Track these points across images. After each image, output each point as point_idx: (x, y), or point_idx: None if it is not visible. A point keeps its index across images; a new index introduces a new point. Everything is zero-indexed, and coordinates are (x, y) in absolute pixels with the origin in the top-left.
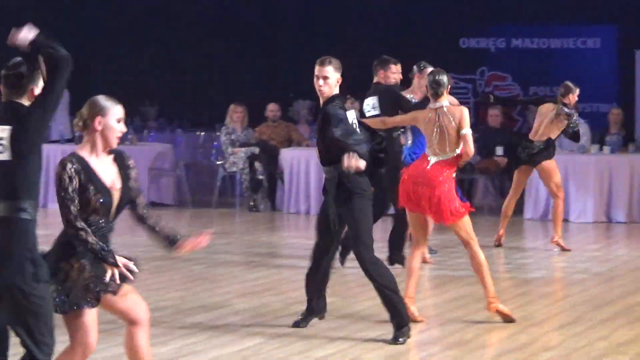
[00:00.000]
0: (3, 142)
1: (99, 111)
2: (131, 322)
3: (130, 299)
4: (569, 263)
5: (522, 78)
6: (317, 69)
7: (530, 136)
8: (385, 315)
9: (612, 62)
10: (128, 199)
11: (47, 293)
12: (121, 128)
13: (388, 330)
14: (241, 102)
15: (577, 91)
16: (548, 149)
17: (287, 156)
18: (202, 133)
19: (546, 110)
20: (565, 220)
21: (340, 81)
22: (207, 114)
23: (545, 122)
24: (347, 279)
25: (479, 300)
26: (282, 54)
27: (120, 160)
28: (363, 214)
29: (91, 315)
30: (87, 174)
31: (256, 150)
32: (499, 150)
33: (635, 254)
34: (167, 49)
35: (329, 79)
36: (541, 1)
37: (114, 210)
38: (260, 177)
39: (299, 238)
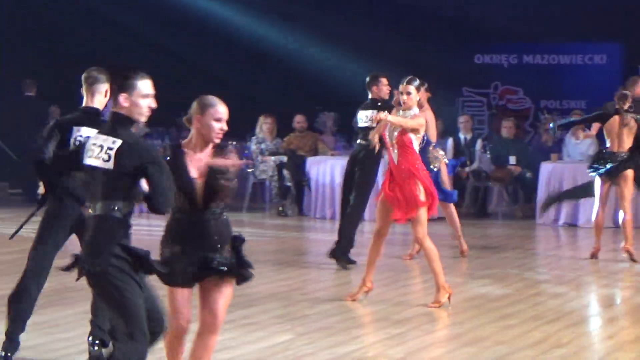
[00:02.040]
0: (111, 152)
1: (200, 110)
2: (204, 324)
3: (217, 302)
4: None
5: (533, 92)
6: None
7: (613, 149)
8: (406, 312)
9: (616, 76)
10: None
11: (130, 284)
12: (220, 126)
13: (410, 327)
14: (270, 114)
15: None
16: (633, 158)
17: (313, 164)
18: (234, 142)
19: (614, 122)
20: (574, 225)
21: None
22: (238, 125)
23: (625, 132)
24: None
25: (495, 300)
26: (308, 68)
27: (218, 154)
28: None
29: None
30: (176, 165)
31: (284, 158)
32: (512, 160)
33: None
34: (201, 63)
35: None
36: (551, 20)
37: (201, 200)
38: (288, 184)
39: (325, 241)
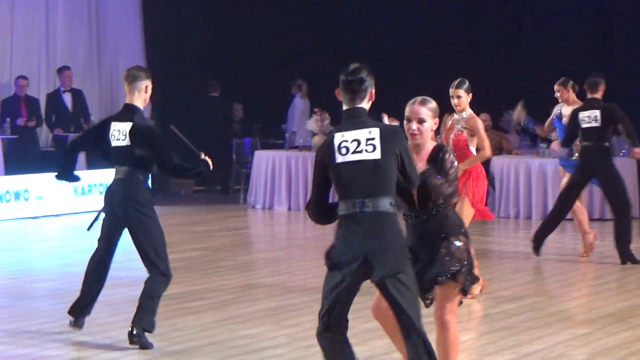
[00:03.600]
0: (374, 142)
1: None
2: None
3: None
4: None
5: None
6: None
7: None
8: (591, 313)
9: None
10: (431, 191)
11: (411, 282)
12: (408, 126)
13: (594, 328)
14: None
15: None
16: None
17: (498, 163)
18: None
19: None
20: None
21: None
22: None
23: None
24: (551, 280)
25: None
26: (493, 67)
27: (434, 154)
28: None
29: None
30: None
31: None
32: None
33: None
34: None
35: None
36: None
37: (417, 200)
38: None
39: (508, 238)
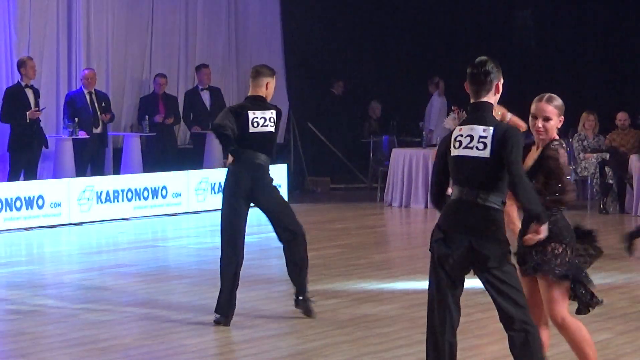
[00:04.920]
0: (485, 140)
1: None
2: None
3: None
4: None
5: None
6: None
7: None
8: None
9: None
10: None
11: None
12: (535, 123)
13: None
14: (593, 111)
15: None
16: None
17: (636, 162)
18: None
19: None
20: None
21: None
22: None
23: None
24: None
25: None
26: (632, 64)
27: (547, 150)
28: None
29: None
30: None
31: (607, 156)
32: None
33: None
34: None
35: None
36: None
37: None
38: (610, 181)
39: None
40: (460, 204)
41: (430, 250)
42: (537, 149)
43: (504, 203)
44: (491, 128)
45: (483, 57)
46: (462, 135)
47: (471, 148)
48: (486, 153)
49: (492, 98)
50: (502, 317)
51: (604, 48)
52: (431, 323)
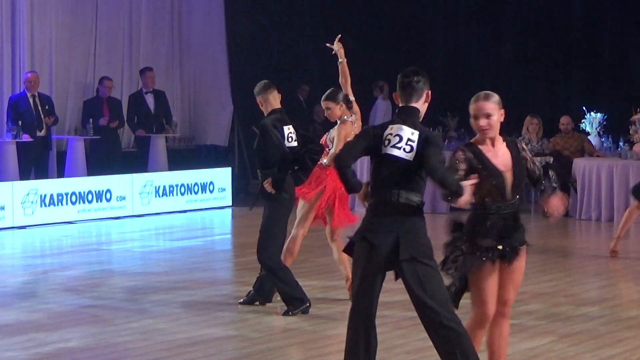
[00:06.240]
0: (412, 144)
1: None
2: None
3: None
4: None
5: None
6: None
7: None
8: None
9: None
10: (521, 180)
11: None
12: (477, 122)
13: None
14: (536, 114)
15: None
16: None
17: (580, 165)
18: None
19: None
20: None
21: None
22: (504, 125)
23: None
24: (632, 283)
25: None
26: (574, 67)
27: (512, 145)
28: None
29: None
30: (479, 159)
31: (550, 159)
32: None
33: None
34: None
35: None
36: None
37: (509, 192)
38: (554, 185)
39: (589, 243)
40: (384, 202)
41: (352, 247)
42: (493, 146)
43: (423, 203)
44: (417, 132)
45: (414, 67)
46: (391, 134)
47: (399, 148)
48: (411, 156)
49: (422, 106)
50: (423, 312)
51: (547, 51)
52: (356, 317)
